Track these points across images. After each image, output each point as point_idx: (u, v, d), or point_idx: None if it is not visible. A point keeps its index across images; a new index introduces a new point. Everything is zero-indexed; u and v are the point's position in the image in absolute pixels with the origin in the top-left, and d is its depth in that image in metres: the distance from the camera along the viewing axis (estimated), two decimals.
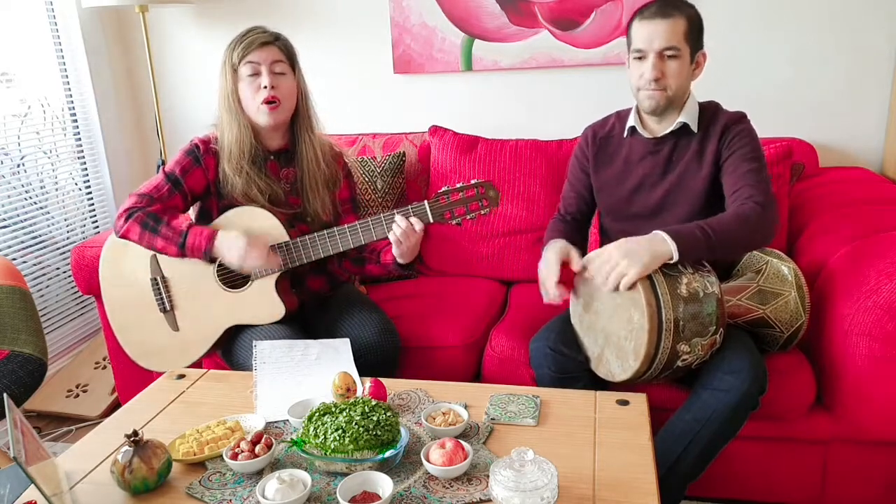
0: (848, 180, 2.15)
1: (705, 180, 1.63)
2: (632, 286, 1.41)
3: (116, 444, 1.33)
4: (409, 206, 1.62)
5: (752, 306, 1.59)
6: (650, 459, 1.21)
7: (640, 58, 1.58)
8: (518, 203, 2.25)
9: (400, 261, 1.70)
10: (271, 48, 1.69)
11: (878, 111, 2.30)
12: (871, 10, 2.22)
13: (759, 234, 1.50)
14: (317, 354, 1.60)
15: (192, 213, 1.85)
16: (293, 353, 1.60)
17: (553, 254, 1.61)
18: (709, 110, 1.66)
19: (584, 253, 1.63)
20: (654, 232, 1.44)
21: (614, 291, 1.45)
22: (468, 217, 1.63)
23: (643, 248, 1.41)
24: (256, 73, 1.68)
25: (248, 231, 1.69)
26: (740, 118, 1.63)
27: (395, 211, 1.62)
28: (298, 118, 1.77)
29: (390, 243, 1.67)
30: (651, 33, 1.55)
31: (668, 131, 1.65)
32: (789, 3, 2.28)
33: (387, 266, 1.78)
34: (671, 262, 1.42)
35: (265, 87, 1.67)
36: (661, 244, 1.41)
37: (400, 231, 1.60)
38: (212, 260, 1.71)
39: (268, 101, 1.67)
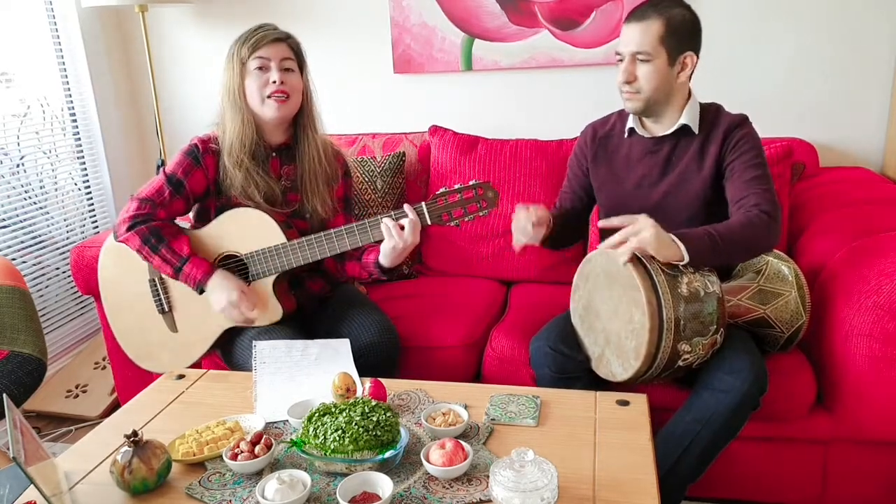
0: (848, 180, 2.15)
1: (705, 182, 1.63)
2: (631, 285, 1.41)
3: (116, 444, 1.32)
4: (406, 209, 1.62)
5: (752, 306, 1.59)
6: (650, 460, 1.21)
7: (620, 60, 1.60)
8: (518, 203, 2.25)
9: (383, 262, 1.68)
10: (282, 45, 1.69)
11: (878, 111, 2.30)
12: (871, 10, 2.22)
13: (764, 242, 1.50)
14: (316, 355, 1.60)
15: (190, 213, 1.85)
16: (293, 353, 1.59)
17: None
18: (710, 112, 1.66)
19: (583, 251, 1.63)
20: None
21: (610, 281, 1.45)
22: (466, 219, 1.62)
23: (666, 235, 1.41)
24: (265, 69, 1.68)
25: (245, 234, 1.70)
26: (742, 121, 1.62)
27: (392, 213, 1.62)
28: (303, 116, 1.77)
29: (376, 245, 1.67)
30: (627, 36, 1.57)
31: (668, 132, 1.65)
32: (790, 4, 2.27)
33: (367, 266, 1.76)
34: (678, 262, 1.42)
35: (274, 82, 1.67)
36: (674, 244, 1.41)
37: (386, 229, 1.60)
38: (201, 291, 1.71)
39: (276, 94, 1.67)
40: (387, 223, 1.61)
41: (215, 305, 1.68)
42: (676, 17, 1.54)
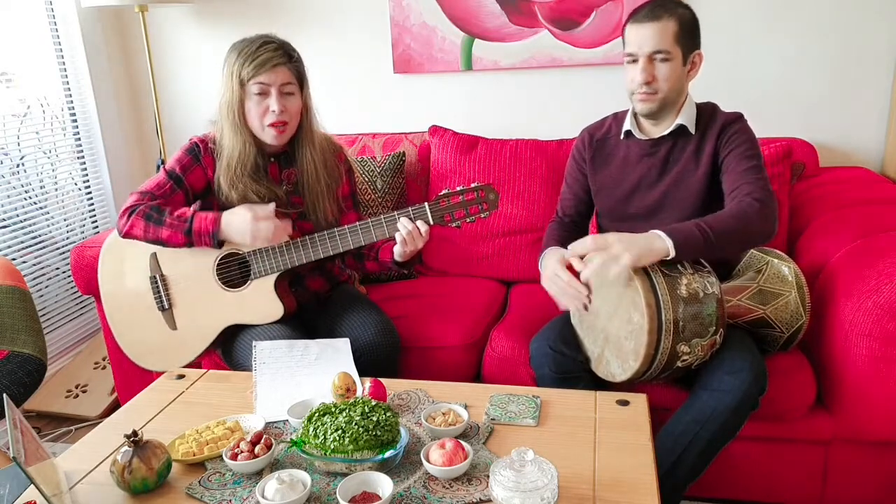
0: (848, 180, 2.15)
1: (703, 181, 1.63)
2: (630, 287, 1.41)
3: (116, 444, 1.33)
4: (410, 209, 1.62)
5: (752, 306, 1.59)
6: (650, 459, 1.21)
7: (632, 61, 1.59)
8: (518, 203, 2.25)
9: (399, 259, 1.70)
10: (283, 70, 1.65)
11: (878, 111, 2.30)
12: (871, 10, 2.22)
13: (758, 230, 1.49)
14: (316, 354, 1.60)
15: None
16: (293, 353, 1.59)
17: (554, 262, 1.60)
18: (706, 112, 1.66)
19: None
20: (651, 231, 1.44)
21: (609, 283, 1.45)
22: (467, 220, 1.63)
23: (640, 240, 1.41)
24: (265, 94, 1.65)
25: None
26: (737, 118, 1.63)
27: (395, 213, 1.62)
28: (301, 132, 1.76)
29: (388, 242, 1.67)
30: (641, 37, 1.55)
31: (665, 133, 1.65)
32: (789, 3, 2.27)
33: (384, 264, 1.78)
34: (669, 259, 1.42)
35: (273, 111, 1.65)
36: (657, 240, 1.41)
37: (406, 232, 1.60)
38: (220, 244, 1.69)
39: (275, 125, 1.67)
40: (402, 228, 1.61)
41: (242, 242, 1.66)
42: (684, 16, 1.56)
